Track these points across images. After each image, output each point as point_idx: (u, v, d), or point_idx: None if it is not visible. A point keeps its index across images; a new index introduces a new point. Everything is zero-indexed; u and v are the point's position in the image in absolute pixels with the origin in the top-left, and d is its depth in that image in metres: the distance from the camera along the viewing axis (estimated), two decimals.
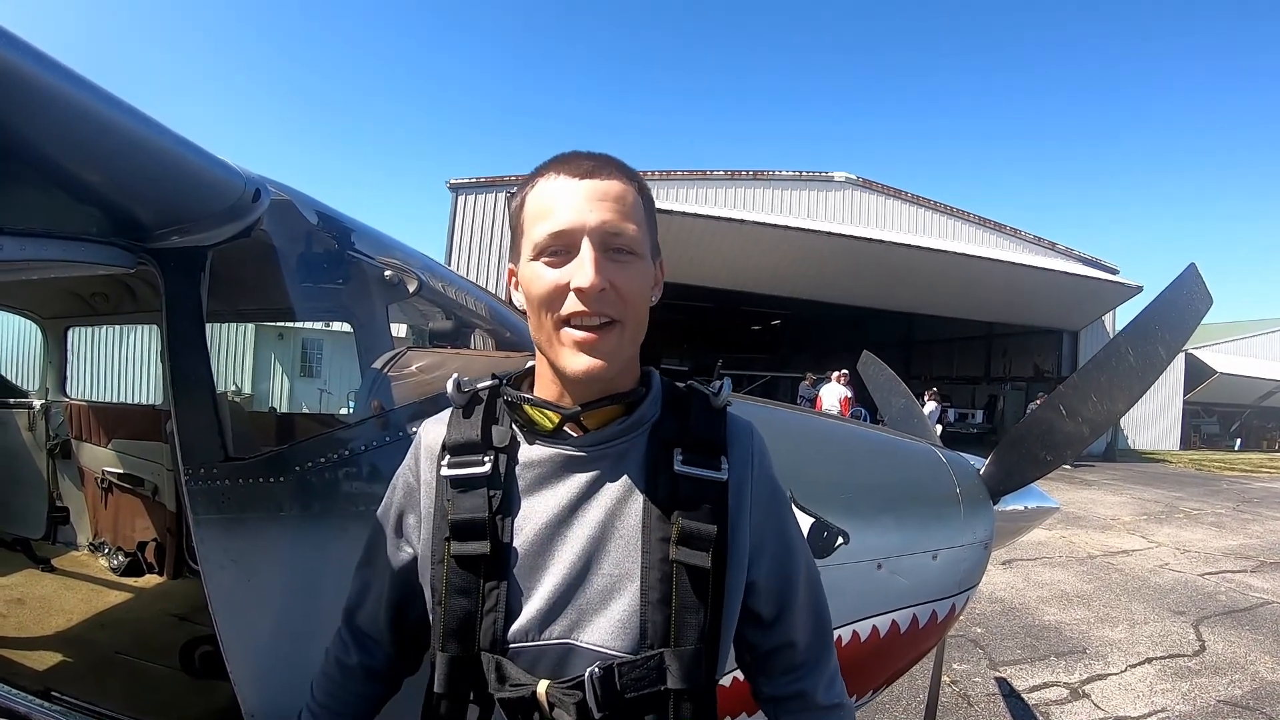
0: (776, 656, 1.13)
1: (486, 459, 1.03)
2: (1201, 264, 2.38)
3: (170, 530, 3.77)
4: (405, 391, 1.88)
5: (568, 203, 0.95)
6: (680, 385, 1.12)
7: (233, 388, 17.20)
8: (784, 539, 1.13)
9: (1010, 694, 4.69)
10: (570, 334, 0.95)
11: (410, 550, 1.14)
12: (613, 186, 0.97)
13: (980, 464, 2.57)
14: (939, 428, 16.23)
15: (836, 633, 2.10)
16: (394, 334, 2.52)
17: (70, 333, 4.64)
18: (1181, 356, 26.45)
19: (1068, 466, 15.42)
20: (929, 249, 20.55)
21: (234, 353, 17.87)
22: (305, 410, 14.63)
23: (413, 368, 1.95)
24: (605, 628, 0.97)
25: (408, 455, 1.15)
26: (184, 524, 3.53)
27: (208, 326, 1.78)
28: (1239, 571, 8.25)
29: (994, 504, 2.47)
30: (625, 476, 1.02)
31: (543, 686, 0.94)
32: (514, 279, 1.06)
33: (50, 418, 4.48)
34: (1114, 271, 23.95)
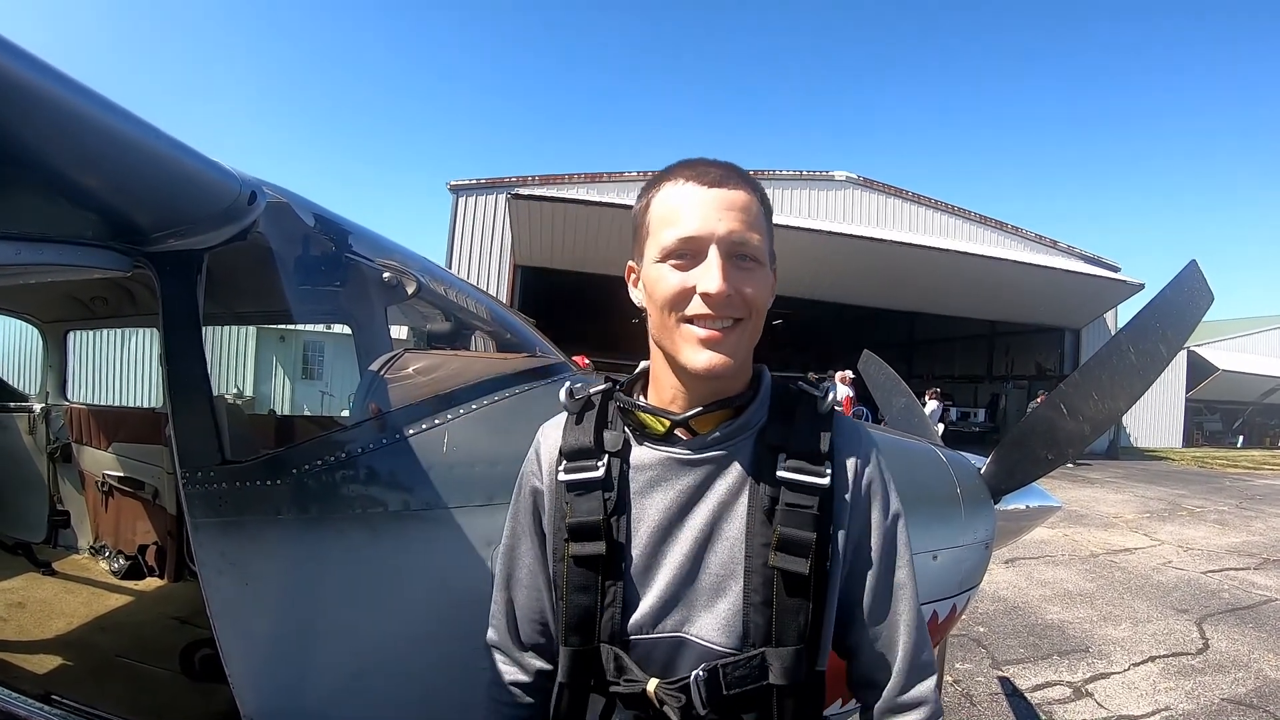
0: (868, 658, 1.12)
1: (600, 464, 1.08)
2: (1204, 261, 2.37)
3: (171, 533, 3.77)
4: (402, 393, 1.88)
5: (697, 210, 0.99)
6: (792, 388, 1.15)
7: (234, 390, 17.21)
8: (891, 548, 1.12)
9: (1013, 693, 4.66)
10: (694, 330, 0.99)
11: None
12: (739, 197, 1.01)
13: (981, 463, 2.56)
14: (941, 427, 16.21)
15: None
16: (394, 336, 2.51)
17: (70, 336, 4.65)
18: (1184, 354, 26.42)
19: (1069, 465, 15.41)
20: (931, 248, 20.50)
21: (236, 355, 17.88)
22: (306, 413, 14.65)
23: (410, 369, 1.95)
24: (713, 624, 1.02)
25: (528, 459, 1.20)
26: (184, 527, 3.53)
27: (207, 329, 1.78)
28: (1242, 569, 8.22)
29: (995, 503, 2.46)
30: (731, 480, 1.06)
31: (652, 685, 1.00)
32: (633, 275, 1.12)
33: (50, 421, 4.49)
34: (1116, 269, 23.92)
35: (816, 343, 36.45)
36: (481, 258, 20.17)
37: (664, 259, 1.00)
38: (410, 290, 2.21)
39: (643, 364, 1.18)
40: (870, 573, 1.10)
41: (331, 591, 1.73)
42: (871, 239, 20.16)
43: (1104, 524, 11.06)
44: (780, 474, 1.03)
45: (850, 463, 1.09)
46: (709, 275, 0.97)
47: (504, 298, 19.17)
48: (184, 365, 1.75)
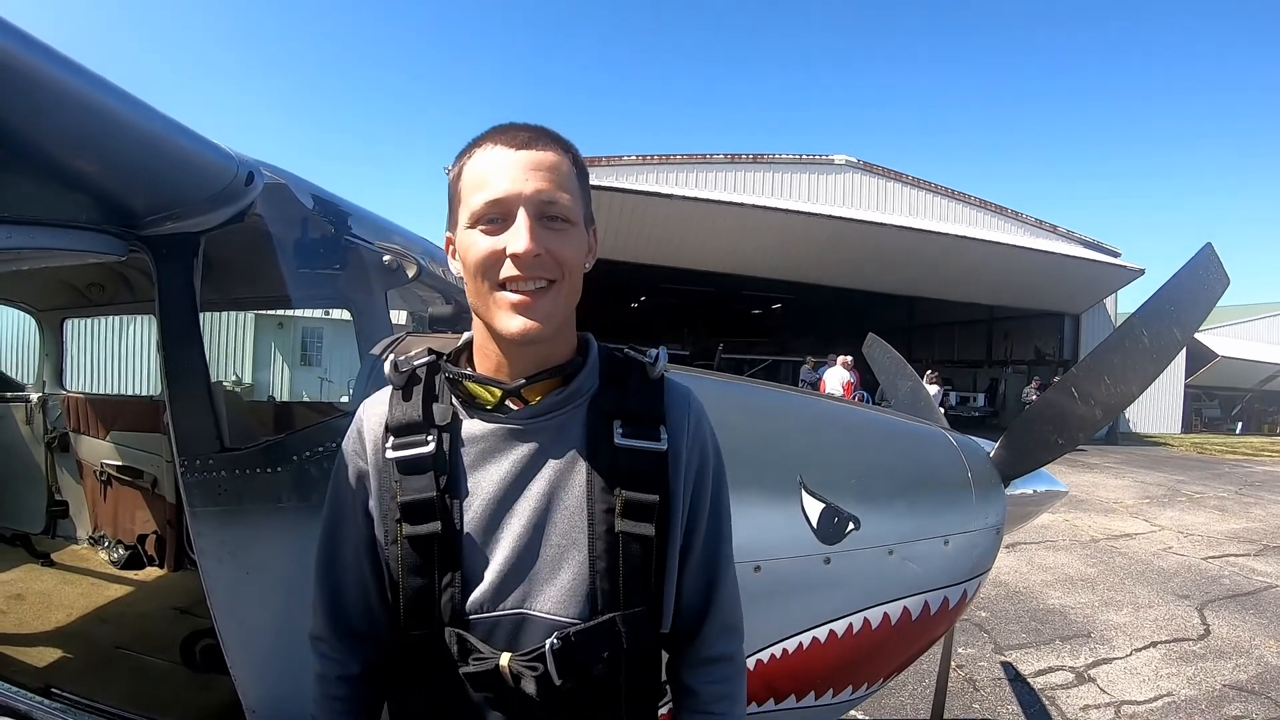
0: (685, 613, 1.16)
1: (430, 438, 1.04)
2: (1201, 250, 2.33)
3: (170, 522, 3.74)
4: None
5: (504, 173, 0.98)
6: (619, 355, 1.15)
7: (233, 377, 17.18)
8: (717, 509, 1.16)
9: (1016, 678, 4.67)
10: (506, 297, 0.98)
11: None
12: (547, 157, 1.00)
13: (990, 447, 2.53)
14: (940, 411, 16.22)
15: (848, 620, 2.07)
16: (395, 320, 2.47)
17: (67, 324, 4.61)
18: None
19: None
20: (930, 232, 20.44)
21: (234, 342, 17.83)
22: (305, 399, 14.62)
23: (412, 354, 1.91)
24: (556, 596, 1.01)
25: (348, 438, 1.14)
26: (184, 516, 3.51)
27: (204, 315, 1.74)
28: (1242, 555, 8.23)
29: (1005, 488, 2.43)
30: (567, 448, 1.05)
31: (505, 659, 0.97)
32: (451, 247, 1.08)
33: (48, 411, 4.45)
34: (1116, 254, 23.84)
35: (815, 327, 36.45)
36: None
37: (474, 224, 1.00)
38: (411, 273, 2.18)
39: (465, 335, 1.16)
40: (697, 535, 1.13)
41: None
42: (871, 223, 20.09)
43: (1104, 509, 11.08)
44: (618, 441, 1.04)
45: (682, 427, 1.10)
46: (517, 236, 0.96)
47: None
48: (181, 351, 1.72)
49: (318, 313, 17.11)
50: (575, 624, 0.99)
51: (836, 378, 15.26)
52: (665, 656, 1.17)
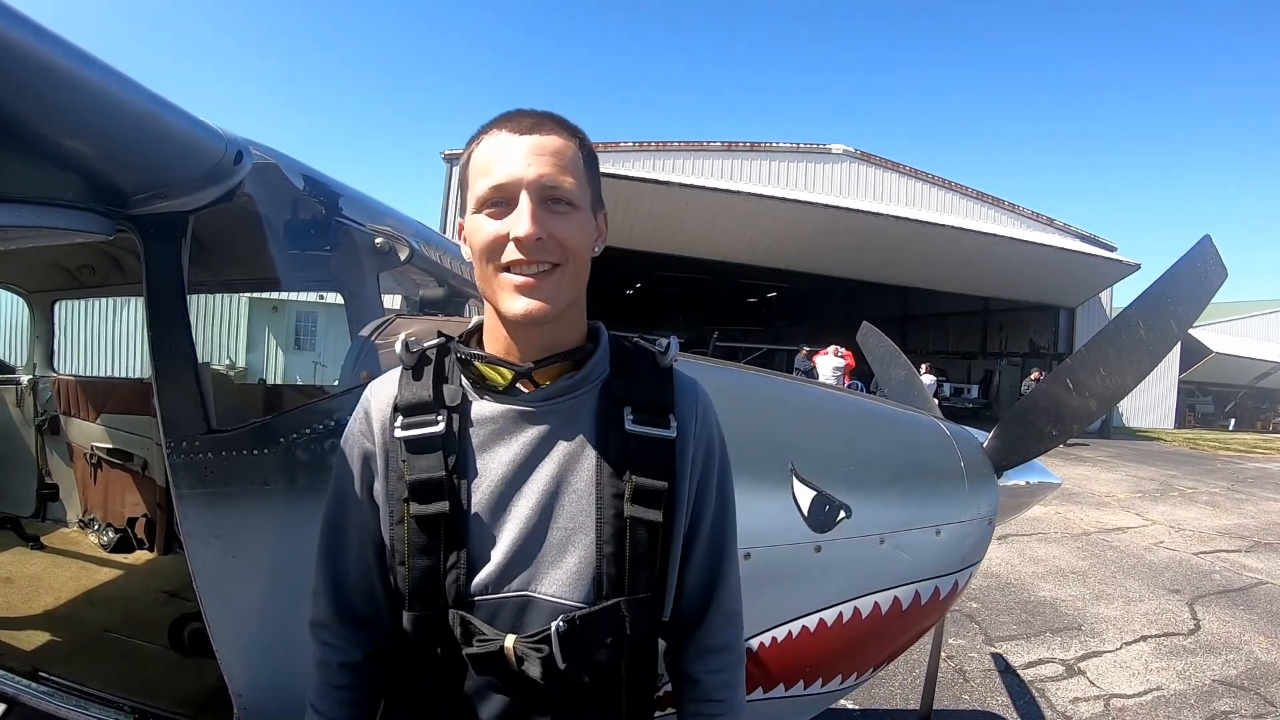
0: (687, 603, 1.17)
1: (439, 418, 1.04)
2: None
3: (160, 505, 3.72)
4: (394, 360, 1.82)
5: (508, 158, 0.99)
6: (628, 344, 1.16)
7: (227, 361, 17.13)
8: (722, 498, 1.17)
9: (1006, 670, 4.68)
10: (510, 279, 0.99)
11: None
12: (552, 142, 1.01)
13: (983, 437, 2.52)
14: (935, 400, 16.30)
15: (838, 609, 2.07)
16: (389, 304, 2.45)
17: (57, 306, 4.57)
18: None
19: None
20: (926, 223, 20.44)
21: (229, 325, 17.78)
22: (299, 383, 14.58)
23: (401, 335, 1.89)
24: (561, 579, 1.01)
25: (354, 419, 1.14)
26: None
27: (198, 298, 1.72)
28: (1233, 551, 8.25)
29: (998, 479, 2.43)
30: (577, 432, 1.05)
31: (510, 641, 0.98)
32: (462, 233, 1.09)
33: (38, 393, 4.42)
34: (1112, 248, 23.87)
35: (810, 316, 36.50)
36: None
37: (480, 209, 1.01)
38: (403, 256, 2.15)
39: (475, 319, 1.17)
40: (703, 523, 1.15)
41: None
42: (867, 213, 20.07)
43: (1096, 503, 11.11)
44: (629, 427, 1.05)
45: (690, 417, 1.11)
46: (520, 220, 0.96)
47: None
48: (168, 332, 1.70)
49: (312, 296, 17.07)
50: (581, 608, 1.00)
51: (828, 365, 15.31)
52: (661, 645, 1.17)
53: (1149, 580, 6.90)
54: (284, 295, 17.10)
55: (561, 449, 1.04)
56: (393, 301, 2.96)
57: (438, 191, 19.78)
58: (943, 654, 4.71)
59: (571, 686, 1.01)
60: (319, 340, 18.39)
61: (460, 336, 1.14)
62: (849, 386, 13.62)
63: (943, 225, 20.65)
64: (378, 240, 2.13)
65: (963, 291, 25.09)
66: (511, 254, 0.97)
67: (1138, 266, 22.50)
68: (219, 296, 16.07)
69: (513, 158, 0.98)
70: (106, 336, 17.31)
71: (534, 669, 0.97)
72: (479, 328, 1.14)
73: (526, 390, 1.07)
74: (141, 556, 3.85)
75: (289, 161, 1.88)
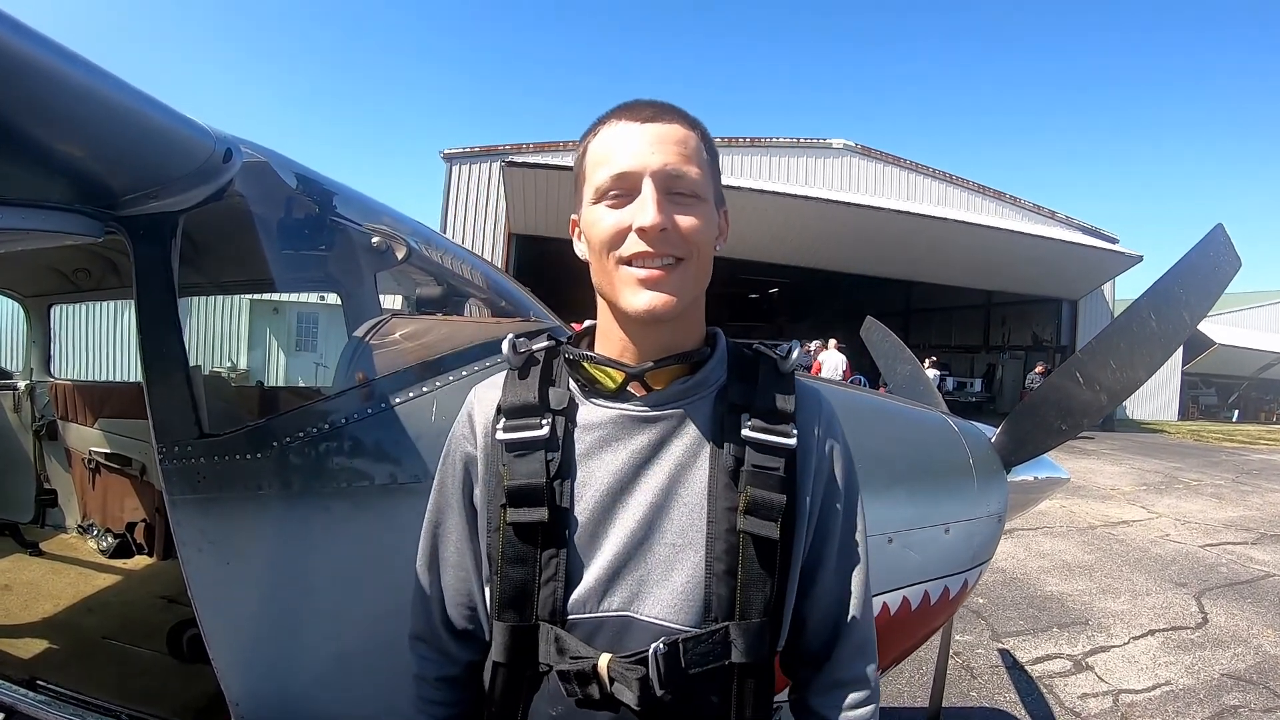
0: (813, 632, 1.09)
1: (544, 422, 0.99)
2: (1201, 236, 2.28)
3: (159, 510, 3.69)
4: (389, 360, 1.79)
5: (630, 146, 0.94)
6: (748, 349, 1.09)
7: (228, 364, 17.13)
8: (850, 517, 1.09)
9: (1013, 666, 4.65)
10: (633, 272, 0.94)
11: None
12: (675, 130, 0.96)
13: (991, 432, 2.48)
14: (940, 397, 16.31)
15: None
16: (388, 304, 2.42)
17: (53, 310, 4.55)
18: None
19: None
20: (928, 216, 20.36)
21: (230, 327, 17.80)
22: (300, 384, 14.56)
23: (397, 335, 1.85)
24: (666, 600, 0.94)
25: (458, 422, 1.10)
26: None
27: (198, 300, 1.69)
28: (1240, 544, 8.22)
29: (1007, 474, 2.39)
30: (690, 440, 0.99)
31: (604, 660, 0.91)
32: (576, 229, 1.05)
33: (35, 398, 4.40)
34: (1114, 240, 23.80)
35: (812, 311, 36.45)
36: (476, 226, 20.02)
37: (599, 200, 0.96)
38: (400, 255, 2.11)
39: (588, 322, 1.11)
40: (830, 544, 1.06)
41: (317, 569, 1.65)
42: (869, 207, 20.00)
43: (1102, 496, 11.08)
44: (746, 434, 0.97)
45: (814, 425, 1.05)
46: (644, 209, 0.91)
47: (499, 266, 19.11)
48: (159, 335, 1.67)
49: (312, 298, 17.08)
50: (685, 631, 0.93)
51: (831, 360, 15.35)
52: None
53: (1155, 574, 6.87)
54: (284, 297, 17.11)
55: (672, 457, 0.98)
56: (392, 301, 2.92)
57: (436, 191, 19.82)
58: (950, 651, 4.69)
59: (671, 716, 0.92)
60: (320, 341, 18.41)
61: (571, 338, 1.10)
62: (851, 382, 13.60)
63: (944, 219, 20.58)
64: (374, 239, 2.09)
65: (965, 285, 25.04)
66: (634, 245, 0.92)
67: (1140, 258, 22.43)
68: (220, 299, 16.07)
69: (635, 146, 0.94)
70: (103, 340, 17.31)
71: (628, 693, 0.89)
72: (591, 330, 1.09)
73: (639, 394, 1.01)
74: (140, 561, 3.82)
75: (280, 159, 1.84)
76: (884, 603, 2.08)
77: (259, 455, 1.60)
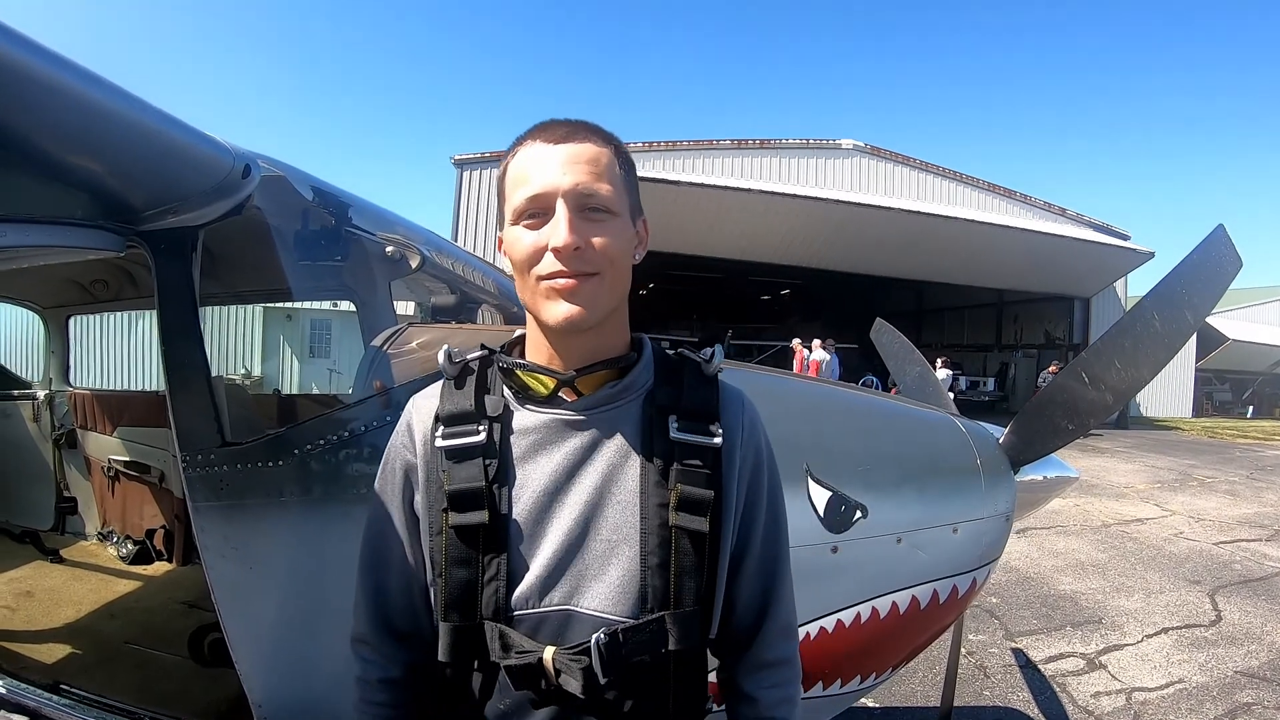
0: (739, 617, 1.15)
1: (481, 428, 1.03)
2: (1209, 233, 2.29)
3: (179, 516, 3.74)
4: (407, 368, 1.82)
5: (543, 167, 0.98)
6: (672, 353, 1.14)
7: (243, 370, 17.23)
8: (773, 509, 1.15)
9: (1027, 665, 4.65)
10: (550, 285, 0.97)
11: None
12: (586, 150, 1.00)
13: (999, 433, 2.50)
14: (950, 396, 16.35)
15: (856, 610, 2.06)
16: (402, 312, 2.46)
17: (71, 321, 4.61)
18: None
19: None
20: (938, 216, 20.32)
21: (243, 335, 17.90)
22: (315, 391, 14.65)
23: (414, 344, 1.89)
24: (604, 593, 0.99)
25: (396, 432, 1.14)
26: None
27: (210, 309, 1.73)
28: (1254, 540, 8.17)
29: (1015, 474, 2.41)
30: (621, 441, 1.04)
31: (549, 653, 0.96)
32: (502, 245, 1.07)
33: (55, 408, 4.46)
34: (1125, 237, 23.68)
35: (824, 312, 36.37)
36: (488, 233, 20.05)
37: (517, 220, 1.00)
38: (414, 264, 2.16)
39: (517, 331, 1.17)
40: (754, 535, 1.12)
41: (338, 574, 1.68)
42: (879, 207, 19.98)
43: (1115, 494, 11.03)
44: (674, 435, 1.03)
45: (736, 425, 1.09)
46: (557, 230, 0.95)
47: (510, 273, 19.11)
48: (181, 346, 1.71)
49: (326, 305, 17.14)
50: (624, 622, 0.98)
51: (820, 359, 15.47)
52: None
53: (1169, 571, 6.84)
54: (298, 304, 17.19)
55: (604, 458, 1.03)
56: (406, 309, 2.96)
57: (448, 198, 19.85)
58: (963, 650, 4.69)
59: (614, 703, 0.98)
60: (333, 348, 18.48)
61: (503, 347, 1.14)
62: (862, 383, 13.62)
63: (955, 218, 20.52)
64: (388, 249, 2.13)
65: (977, 284, 24.97)
66: (550, 264, 0.96)
67: (1152, 254, 22.31)
68: (233, 307, 16.18)
69: (548, 167, 0.97)
70: (121, 350, 17.45)
71: (573, 682, 0.94)
72: (521, 339, 1.13)
73: (570, 399, 1.06)
74: (160, 568, 3.88)
75: (297, 173, 1.89)
76: (893, 601, 2.10)
77: (280, 463, 1.64)
